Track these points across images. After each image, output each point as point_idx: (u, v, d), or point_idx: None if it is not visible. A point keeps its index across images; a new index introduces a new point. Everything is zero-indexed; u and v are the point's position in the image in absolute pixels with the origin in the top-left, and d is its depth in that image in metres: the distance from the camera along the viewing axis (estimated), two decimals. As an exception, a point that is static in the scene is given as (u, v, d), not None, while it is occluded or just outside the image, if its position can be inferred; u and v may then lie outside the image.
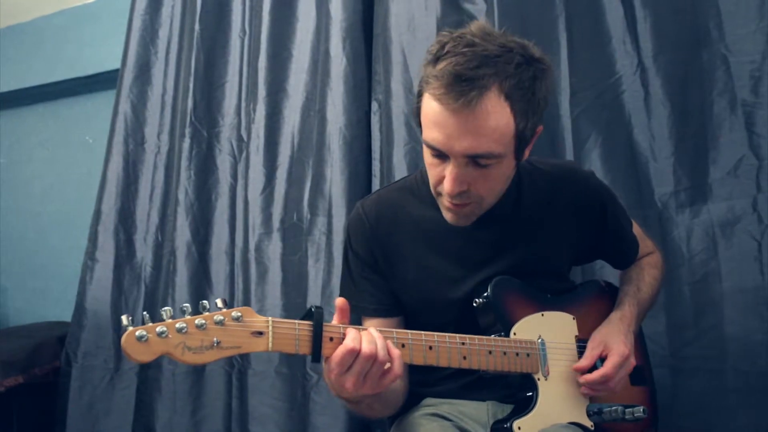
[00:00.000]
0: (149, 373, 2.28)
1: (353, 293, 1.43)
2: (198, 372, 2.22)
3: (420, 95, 1.23)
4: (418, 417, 1.39)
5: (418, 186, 1.43)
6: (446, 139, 1.17)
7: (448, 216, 1.31)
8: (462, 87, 1.12)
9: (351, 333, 1.09)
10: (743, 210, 1.70)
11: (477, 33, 1.18)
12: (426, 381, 1.41)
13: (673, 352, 1.73)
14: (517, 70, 1.16)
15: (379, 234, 1.40)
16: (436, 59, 1.18)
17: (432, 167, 1.26)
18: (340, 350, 1.08)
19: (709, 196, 1.75)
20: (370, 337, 1.10)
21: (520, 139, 1.21)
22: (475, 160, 1.19)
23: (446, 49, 1.17)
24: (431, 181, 1.28)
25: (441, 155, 1.21)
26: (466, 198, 1.25)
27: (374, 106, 2.16)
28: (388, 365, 1.11)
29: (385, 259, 1.40)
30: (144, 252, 2.42)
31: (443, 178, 1.23)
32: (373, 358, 1.08)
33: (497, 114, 1.15)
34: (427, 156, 1.25)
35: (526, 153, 1.28)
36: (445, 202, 1.28)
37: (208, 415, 2.20)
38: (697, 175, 1.77)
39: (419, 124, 1.26)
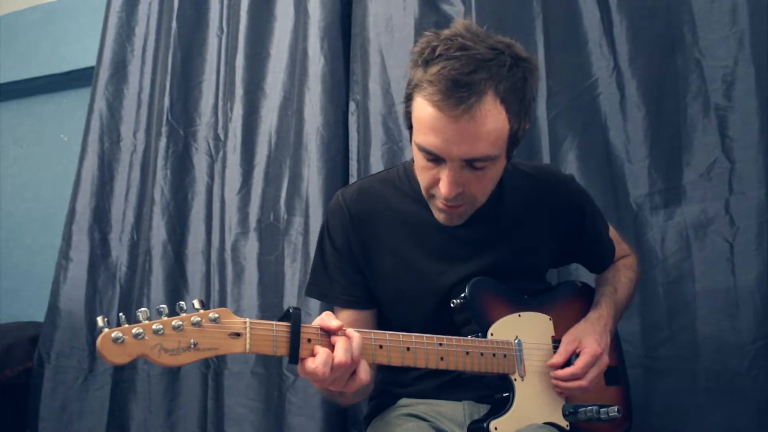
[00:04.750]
0: (124, 374, 2.25)
1: (325, 282, 1.43)
2: (173, 373, 2.20)
3: (410, 98, 1.23)
4: (394, 417, 1.39)
5: (400, 179, 1.43)
6: (445, 145, 1.18)
7: (440, 217, 1.32)
8: (461, 93, 1.13)
9: (321, 356, 1.07)
10: (716, 212, 1.73)
11: (466, 35, 1.19)
12: (402, 381, 1.41)
13: (647, 353, 1.75)
14: (510, 72, 1.18)
15: (357, 224, 1.40)
16: (427, 62, 1.18)
17: (425, 170, 1.26)
18: (310, 368, 1.07)
19: (682, 198, 1.78)
20: (346, 345, 1.09)
21: (513, 140, 1.23)
22: (471, 163, 1.20)
23: (438, 52, 1.17)
24: (423, 183, 1.29)
25: (436, 159, 1.22)
26: (461, 200, 1.26)
27: (352, 106, 2.17)
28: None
29: (363, 250, 1.40)
30: (119, 251, 2.39)
31: (437, 180, 1.24)
32: (342, 368, 1.08)
33: (494, 118, 1.17)
34: (420, 159, 1.25)
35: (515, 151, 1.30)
36: (438, 204, 1.29)
37: (183, 416, 2.18)
38: (671, 177, 1.79)
39: (410, 127, 1.26)
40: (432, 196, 1.29)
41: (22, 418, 2.32)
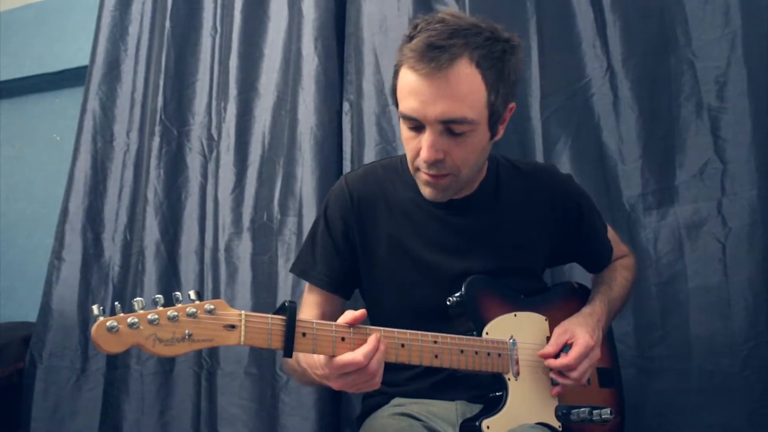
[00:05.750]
0: (116, 373, 2.24)
1: (309, 259, 1.45)
2: (166, 373, 2.20)
3: (396, 74, 1.28)
4: (387, 416, 1.39)
5: (403, 167, 1.45)
6: (421, 105, 1.21)
7: (426, 191, 1.33)
8: (434, 53, 1.19)
9: (367, 348, 1.10)
10: (708, 212, 1.73)
11: (449, 13, 1.26)
12: (395, 381, 1.41)
13: (640, 353, 1.76)
14: (487, 42, 1.23)
15: (358, 208, 1.41)
16: (411, 38, 1.24)
17: (409, 141, 1.28)
18: (349, 357, 1.09)
19: (675, 198, 1.78)
20: (380, 356, 1.11)
21: (493, 111, 1.25)
22: (449, 127, 1.22)
23: (419, 27, 1.24)
24: (409, 156, 1.31)
25: (417, 127, 1.25)
26: (442, 168, 1.27)
27: (346, 106, 2.16)
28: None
29: (361, 235, 1.41)
30: (112, 251, 2.39)
31: (420, 150, 1.26)
32: (372, 373, 1.11)
33: (469, 79, 1.21)
34: (404, 131, 1.29)
35: (500, 131, 1.32)
36: (422, 176, 1.30)
37: (176, 416, 2.17)
38: (664, 177, 1.80)
39: (396, 103, 1.30)
40: (417, 169, 1.31)
41: (14, 419, 2.32)
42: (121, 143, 2.47)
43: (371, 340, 1.11)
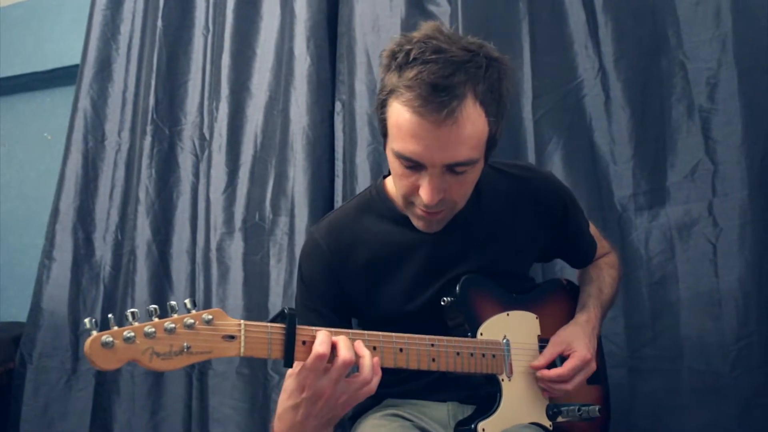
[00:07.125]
0: (107, 374, 2.23)
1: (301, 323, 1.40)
2: (157, 373, 2.19)
3: (385, 105, 1.19)
4: (379, 417, 1.38)
5: (374, 201, 1.40)
6: (426, 151, 1.15)
7: (420, 224, 1.29)
8: (441, 97, 1.10)
9: (339, 341, 1.08)
10: (699, 213, 1.74)
11: (439, 37, 1.16)
12: (387, 381, 1.40)
13: (631, 353, 1.76)
14: (486, 73, 1.16)
15: (337, 256, 1.36)
16: (401, 67, 1.15)
17: (403, 178, 1.22)
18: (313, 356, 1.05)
19: (666, 199, 1.79)
20: (348, 343, 1.08)
21: (492, 142, 1.22)
22: (452, 168, 1.18)
23: (412, 55, 1.14)
24: (401, 191, 1.25)
25: (415, 166, 1.19)
26: (441, 205, 1.23)
27: (338, 106, 2.16)
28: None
29: (348, 282, 1.37)
30: (103, 251, 2.38)
31: (417, 188, 1.21)
32: (350, 365, 1.07)
33: (474, 121, 1.15)
34: (398, 167, 1.22)
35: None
36: (417, 212, 1.26)
37: (167, 416, 2.17)
38: (655, 178, 1.80)
39: (385, 135, 1.23)
40: (411, 204, 1.26)
41: (3, 420, 2.31)
42: (113, 142, 2.46)
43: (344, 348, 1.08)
